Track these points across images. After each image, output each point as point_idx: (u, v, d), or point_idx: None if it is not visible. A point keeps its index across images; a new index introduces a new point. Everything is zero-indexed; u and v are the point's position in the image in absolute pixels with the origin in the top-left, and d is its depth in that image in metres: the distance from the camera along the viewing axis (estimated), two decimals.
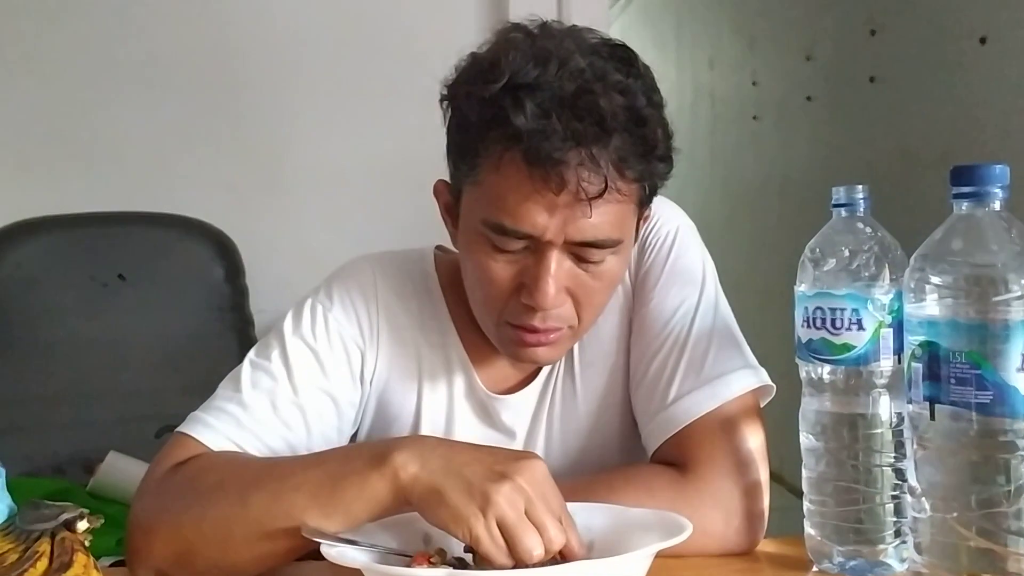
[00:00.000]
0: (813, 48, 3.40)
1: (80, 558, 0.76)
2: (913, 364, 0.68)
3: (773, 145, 3.83)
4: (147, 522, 0.85)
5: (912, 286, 0.69)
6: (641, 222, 0.94)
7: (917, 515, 0.70)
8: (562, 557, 0.75)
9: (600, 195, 0.82)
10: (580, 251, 0.86)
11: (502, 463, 0.75)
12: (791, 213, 3.50)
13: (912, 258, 0.70)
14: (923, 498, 0.69)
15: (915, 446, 0.70)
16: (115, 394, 1.87)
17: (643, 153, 0.84)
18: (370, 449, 0.80)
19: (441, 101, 0.90)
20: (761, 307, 2.59)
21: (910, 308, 0.69)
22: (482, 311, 0.93)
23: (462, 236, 0.92)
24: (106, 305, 1.91)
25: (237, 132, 2.14)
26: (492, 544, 0.71)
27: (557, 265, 0.86)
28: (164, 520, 0.84)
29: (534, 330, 0.89)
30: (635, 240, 0.95)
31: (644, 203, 0.91)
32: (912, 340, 0.69)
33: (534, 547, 0.71)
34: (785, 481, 2.31)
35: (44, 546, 0.76)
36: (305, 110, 2.14)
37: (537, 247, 0.86)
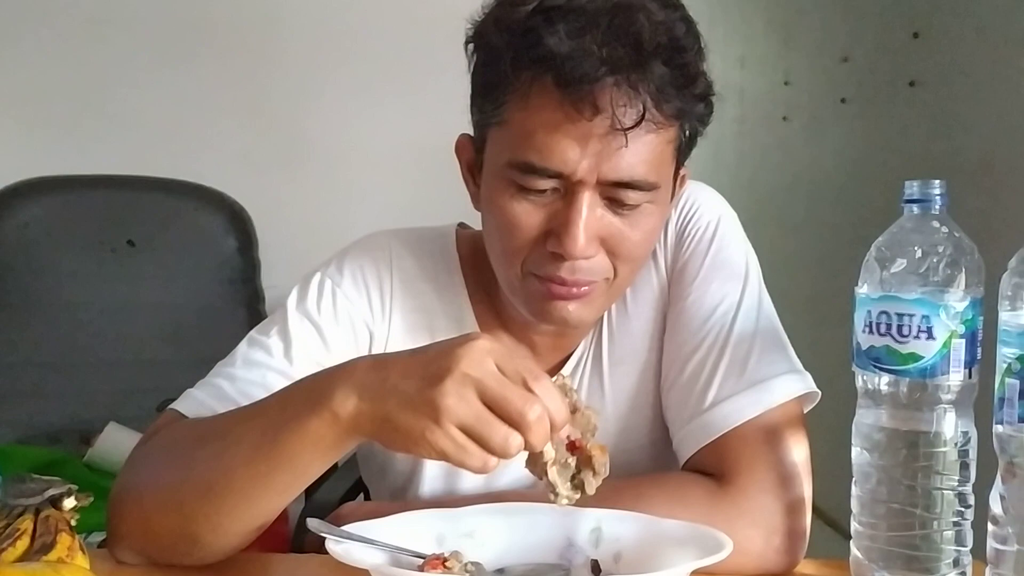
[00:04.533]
0: (851, 49, 3.31)
1: (64, 539, 0.71)
2: (1008, 380, 0.61)
3: (803, 147, 3.75)
4: (116, 496, 0.80)
5: (1009, 293, 0.62)
6: (678, 187, 0.87)
7: (1000, 547, 0.64)
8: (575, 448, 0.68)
9: (637, 124, 0.76)
10: (614, 193, 0.80)
11: (436, 361, 0.66)
12: (819, 218, 3.43)
13: (1012, 260, 0.63)
14: (1008, 528, 0.62)
15: (1002, 471, 0.63)
16: (117, 363, 1.83)
17: (683, 85, 0.78)
18: (307, 390, 0.72)
19: (466, 44, 0.85)
20: (782, 311, 2.52)
21: (1006, 316, 0.62)
22: (503, 264, 0.85)
23: (485, 188, 0.85)
24: (113, 271, 1.87)
25: (259, 103, 2.12)
26: (462, 452, 0.64)
27: (589, 209, 0.79)
28: (128, 492, 0.79)
29: (563, 282, 0.81)
30: (673, 201, 0.88)
31: (681, 152, 0.84)
32: (1008, 353, 0.62)
33: (506, 437, 0.63)
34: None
35: (27, 523, 0.71)
36: (328, 85, 2.11)
37: (568, 189, 0.79)
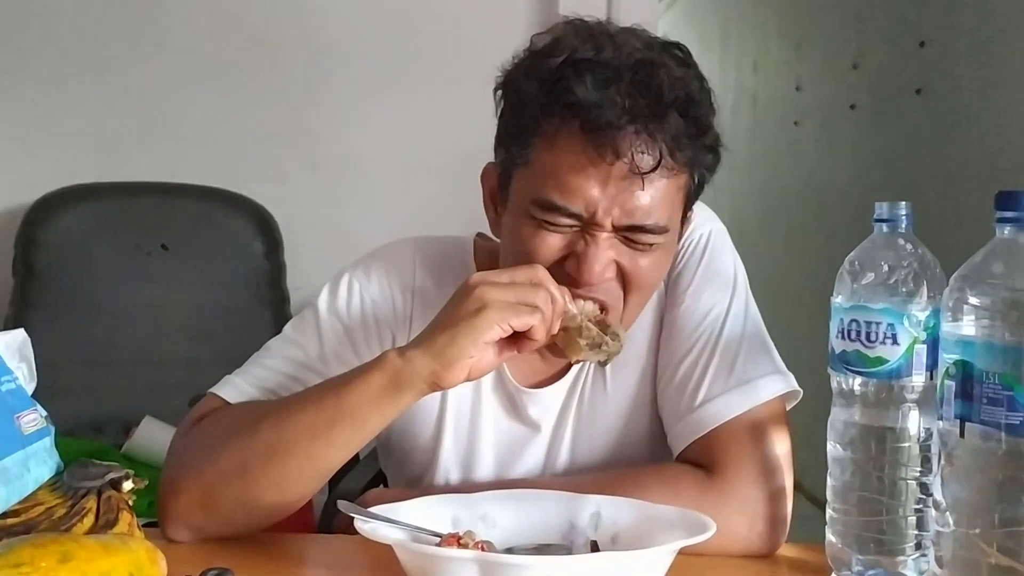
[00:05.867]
0: (860, 56, 3.37)
1: (125, 516, 0.80)
2: (946, 382, 0.69)
3: (814, 152, 3.80)
4: (171, 477, 0.88)
5: (950, 305, 0.70)
6: (684, 226, 0.95)
7: (941, 529, 0.71)
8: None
9: (654, 169, 0.84)
10: (628, 234, 0.87)
11: (456, 303, 0.83)
12: (828, 221, 3.48)
13: (952, 278, 0.71)
14: (947, 513, 0.70)
15: (943, 462, 0.71)
16: (151, 361, 1.92)
17: (696, 135, 0.87)
18: (361, 366, 0.86)
19: (495, 90, 0.92)
20: (791, 313, 2.58)
21: (947, 327, 0.70)
22: None
23: (508, 219, 0.92)
24: (148, 273, 1.95)
25: (284, 111, 2.17)
26: (520, 310, 0.81)
27: (606, 243, 0.87)
28: (186, 470, 0.88)
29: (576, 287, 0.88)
30: (680, 237, 0.96)
31: (690, 198, 0.92)
32: (947, 358, 0.70)
33: (535, 301, 0.82)
34: (804, 488, 2.30)
35: (91, 503, 0.80)
36: (353, 94, 2.16)
37: (586, 228, 0.87)
